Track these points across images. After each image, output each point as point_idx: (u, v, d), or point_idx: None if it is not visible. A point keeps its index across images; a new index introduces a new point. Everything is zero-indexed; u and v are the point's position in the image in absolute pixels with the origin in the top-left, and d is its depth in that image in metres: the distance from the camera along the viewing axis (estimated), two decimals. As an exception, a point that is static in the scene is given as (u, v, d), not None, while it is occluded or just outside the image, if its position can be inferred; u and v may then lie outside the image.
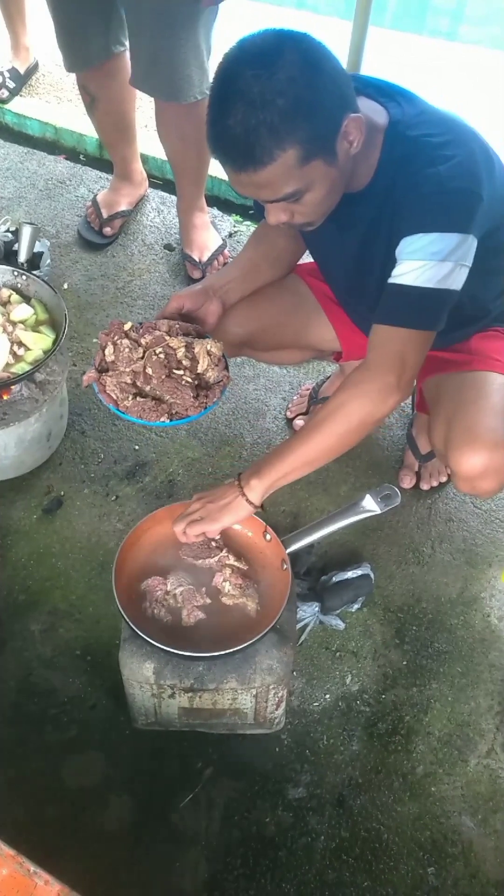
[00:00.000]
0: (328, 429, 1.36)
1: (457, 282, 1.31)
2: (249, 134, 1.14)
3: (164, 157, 2.89)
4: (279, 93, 1.12)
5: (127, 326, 1.48)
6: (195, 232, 2.49)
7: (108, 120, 2.46)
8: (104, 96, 2.35)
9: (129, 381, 1.43)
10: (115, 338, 1.46)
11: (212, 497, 1.41)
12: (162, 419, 1.41)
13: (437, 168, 1.27)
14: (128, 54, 2.22)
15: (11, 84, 3.11)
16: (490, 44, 4.14)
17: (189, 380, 1.43)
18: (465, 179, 1.28)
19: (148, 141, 2.93)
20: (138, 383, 1.43)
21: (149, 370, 1.42)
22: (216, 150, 1.21)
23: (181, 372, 1.43)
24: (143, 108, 3.06)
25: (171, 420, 1.42)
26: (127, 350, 1.44)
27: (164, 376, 1.42)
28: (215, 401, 1.45)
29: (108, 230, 2.58)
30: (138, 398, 1.42)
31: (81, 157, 2.97)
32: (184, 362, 1.44)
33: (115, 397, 1.43)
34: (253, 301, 1.67)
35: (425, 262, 1.28)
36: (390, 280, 1.33)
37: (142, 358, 1.44)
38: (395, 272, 1.33)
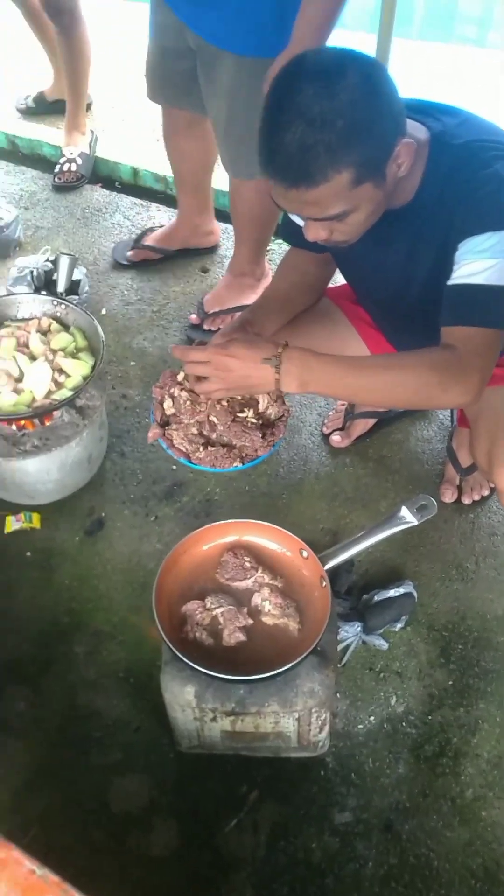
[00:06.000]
0: (394, 375, 1.31)
1: None
2: (306, 152, 1.13)
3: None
4: (339, 114, 1.12)
5: (180, 377, 1.50)
6: (226, 288, 2.40)
7: (175, 167, 2.44)
8: (178, 148, 2.33)
9: (195, 432, 1.45)
10: (171, 390, 1.48)
11: (240, 357, 1.30)
12: (235, 464, 1.42)
13: (493, 167, 1.25)
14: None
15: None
16: (520, 48, 4.10)
17: (254, 421, 1.46)
18: None
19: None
20: (204, 432, 1.45)
21: (213, 418, 1.43)
22: (268, 165, 1.20)
23: (245, 414, 1.45)
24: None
25: (243, 463, 1.43)
26: (188, 402, 1.45)
27: (229, 422, 1.44)
28: (281, 437, 1.47)
29: (130, 253, 2.61)
30: (209, 448, 1.43)
31: (116, 184, 3.03)
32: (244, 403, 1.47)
33: (185, 450, 1.44)
34: (289, 330, 1.66)
35: (498, 259, 1.26)
36: (456, 281, 1.29)
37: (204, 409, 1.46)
38: (459, 273, 1.29)
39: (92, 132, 3.05)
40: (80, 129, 3.01)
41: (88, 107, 3.24)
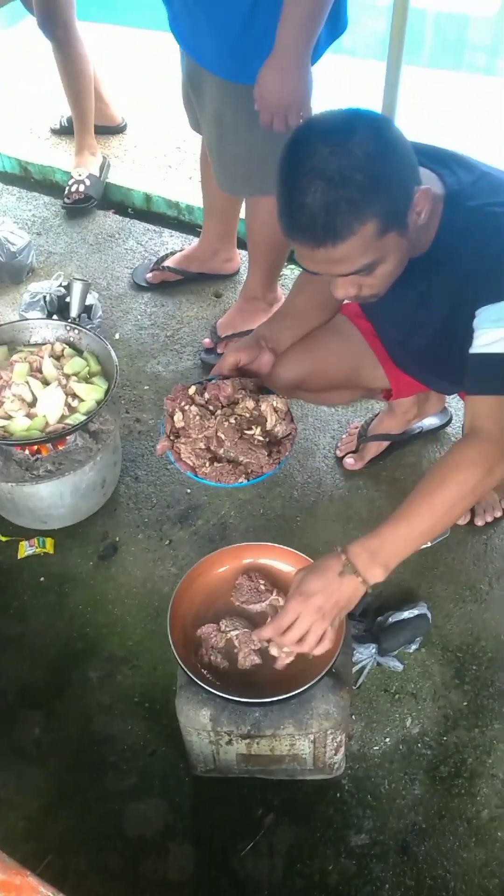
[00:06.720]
0: (441, 497, 1.25)
1: None
2: (330, 209, 1.15)
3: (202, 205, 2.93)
4: (357, 169, 1.14)
5: (191, 391, 1.52)
6: (238, 313, 2.43)
7: (205, 192, 2.46)
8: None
9: (203, 447, 1.47)
10: (182, 404, 1.50)
11: (320, 589, 1.24)
12: (240, 480, 1.44)
13: None
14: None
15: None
16: (529, 77, 4.13)
17: (260, 438, 1.47)
18: None
19: (179, 187, 3.01)
20: (211, 447, 1.47)
21: (221, 434, 1.46)
22: (292, 229, 1.21)
23: (252, 432, 1.47)
24: (191, 150, 3.16)
25: (248, 479, 1.45)
26: (198, 417, 1.48)
27: (236, 439, 1.46)
28: (286, 455, 1.48)
29: (149, 276, 2.66)
30: (215, 463, 1.45)
31: (129, 210, 3.07)
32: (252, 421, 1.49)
33: (191, 464, 1.46)
34: (303, 345, 1.69)
35: None
36: (477, 350, 1.30)
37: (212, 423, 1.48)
38: (479, 342, 1.30)
39: (104, 157, 3.10)
40: (90, 149, 3.04)
41: (124, 129, 3.30)
